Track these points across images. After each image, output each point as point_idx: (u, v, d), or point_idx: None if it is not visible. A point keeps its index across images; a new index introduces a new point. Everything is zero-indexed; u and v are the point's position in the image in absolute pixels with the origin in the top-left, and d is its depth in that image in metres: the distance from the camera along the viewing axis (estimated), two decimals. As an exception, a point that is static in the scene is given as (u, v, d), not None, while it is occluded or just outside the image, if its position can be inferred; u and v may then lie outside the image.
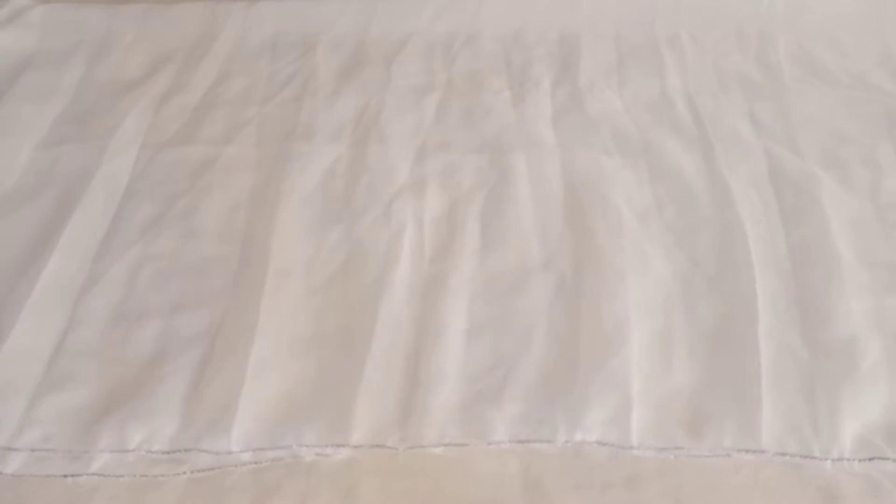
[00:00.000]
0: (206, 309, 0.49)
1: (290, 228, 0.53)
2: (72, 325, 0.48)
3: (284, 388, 0.44)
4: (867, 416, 0.42)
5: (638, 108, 0.61)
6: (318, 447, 0.42)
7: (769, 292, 0.47)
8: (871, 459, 0.40)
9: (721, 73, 0.63)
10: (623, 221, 0.51)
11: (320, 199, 0.55)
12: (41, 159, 0.60)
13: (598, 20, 0.69)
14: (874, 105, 0.59)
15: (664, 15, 0.69)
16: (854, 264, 0.48)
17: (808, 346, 0.45)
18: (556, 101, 0.62)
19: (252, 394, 0.44)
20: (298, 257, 0.51)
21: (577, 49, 0.67)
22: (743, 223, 0.50)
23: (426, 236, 0.52)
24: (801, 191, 0.53)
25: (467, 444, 0.42)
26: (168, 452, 0.42)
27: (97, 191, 0.57)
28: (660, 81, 0.63)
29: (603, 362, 0.44)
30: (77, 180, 0.57)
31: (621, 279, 0.48)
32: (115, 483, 0.41)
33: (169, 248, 0.53)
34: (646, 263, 0.49)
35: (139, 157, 0.60)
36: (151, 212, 0.55)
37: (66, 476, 0.41)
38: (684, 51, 0.66)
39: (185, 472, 0.42)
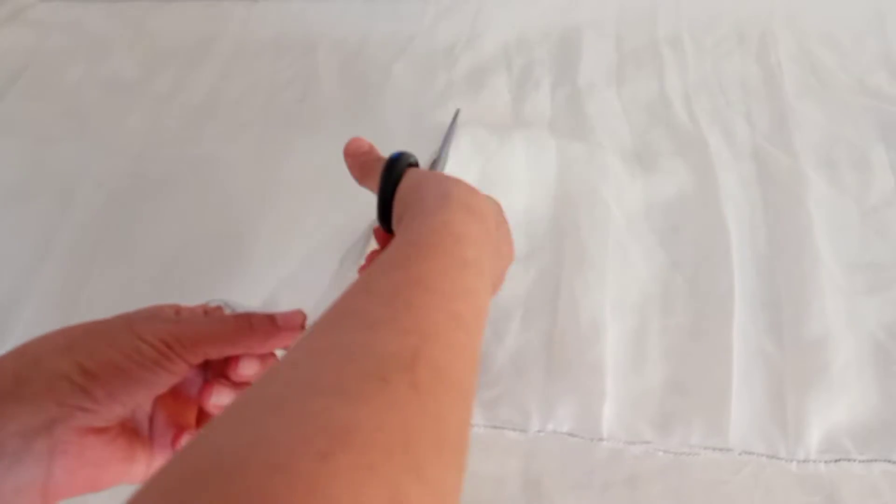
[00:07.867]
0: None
1: (285, 226, 0.53)
2: (69, 323, 0.48)
3: None
4: (836, 417, 0.41)
5: (636, 108, 0.61)
6: None
7: (746, 292, 0.47)
8: (836, 461, 0.40)
9: (721, 73, 0.63)
10: (610, 221, 0.51)
11: (314, 196, 0.55)
12: (41, 157, 0.60)
13: (598, 20, 0.69)
14: (871, 106, 0.58)
15: (664, 15, 0.69)
16: (832, 265, 0.47)
17: (781, 346, 0.44)
18: (556, 102, 0.62)
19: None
20: (294, 253, 0.51)
21: (577, 49, 0.67)
22: (727, 224, 0.50)
23: None
24: (788, 191, 0.52)
25: None
26: None
27: (96, 189, 0.57)
28: (659, 82, 0.63)
29: (578, 355, 0.44)
30: (76, 179, 0.58)
31: (602, 276, 0.47)
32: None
33: (168, 248, 0.53)
34: (628, 262, 0.49)
35: (139, 157, 0.60)
36: (151, 211, 0.55)
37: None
38: (684, 51, 0.65)
39: None
